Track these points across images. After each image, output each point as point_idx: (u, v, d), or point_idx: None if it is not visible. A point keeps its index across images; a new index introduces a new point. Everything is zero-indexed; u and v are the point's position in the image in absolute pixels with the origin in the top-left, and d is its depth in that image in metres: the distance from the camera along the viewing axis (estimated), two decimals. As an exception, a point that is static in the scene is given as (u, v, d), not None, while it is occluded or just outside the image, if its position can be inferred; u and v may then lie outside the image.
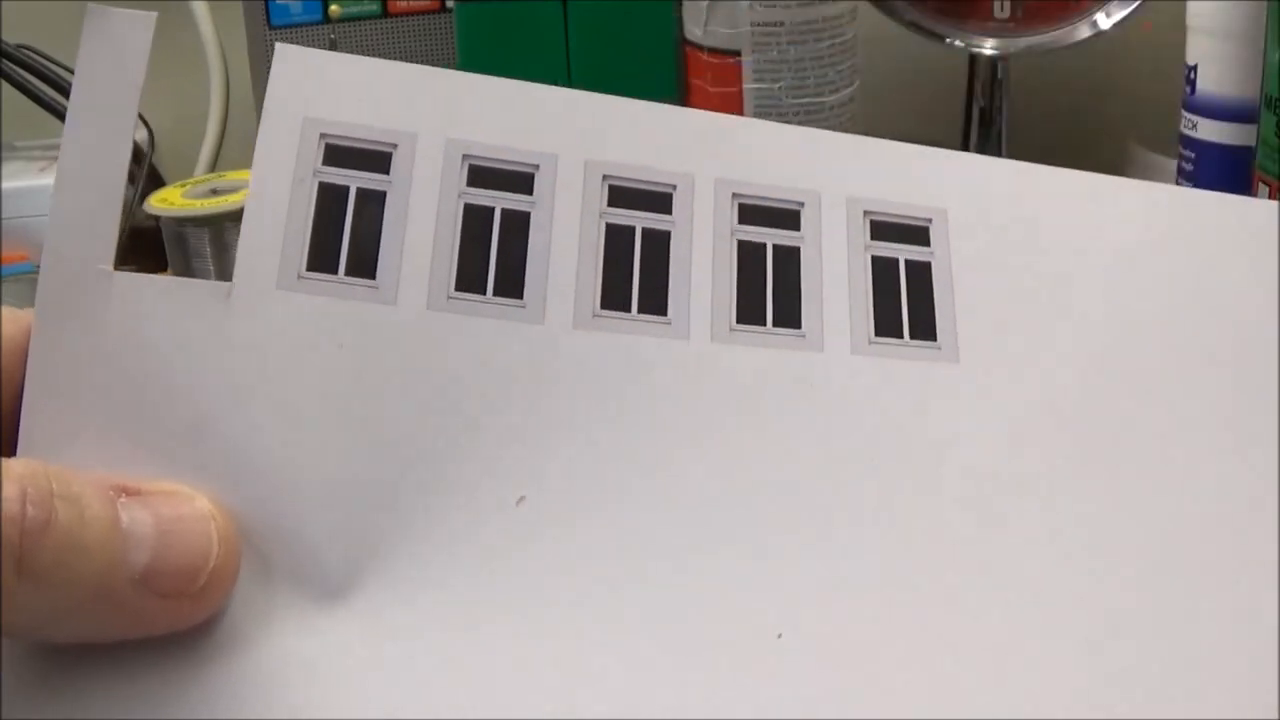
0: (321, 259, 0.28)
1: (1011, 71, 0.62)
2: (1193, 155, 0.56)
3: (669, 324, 0.30)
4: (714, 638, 0.26)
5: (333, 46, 0.62)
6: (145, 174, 0.67)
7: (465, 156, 0.30)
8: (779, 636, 0.26)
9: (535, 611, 0.26)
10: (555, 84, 0.59)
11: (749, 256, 0.31)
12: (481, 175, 0.30)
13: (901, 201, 0.32)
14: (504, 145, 0.31)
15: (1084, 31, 0.59)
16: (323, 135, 0.30)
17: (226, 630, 0.26)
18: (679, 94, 0.58)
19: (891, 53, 0.66)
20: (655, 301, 0.30)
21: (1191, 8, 0.55)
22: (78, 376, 0.26)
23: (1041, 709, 0.26)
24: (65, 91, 0.67)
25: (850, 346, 0.30)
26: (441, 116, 0.31)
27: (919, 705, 0.26)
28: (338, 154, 0.29)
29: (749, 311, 0.30)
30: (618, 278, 0.30)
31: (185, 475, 0.26)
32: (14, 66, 0.67)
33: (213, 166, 0.71)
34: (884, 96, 0.67)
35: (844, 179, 0.32)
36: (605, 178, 0.31)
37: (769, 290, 0.30)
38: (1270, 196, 0.49)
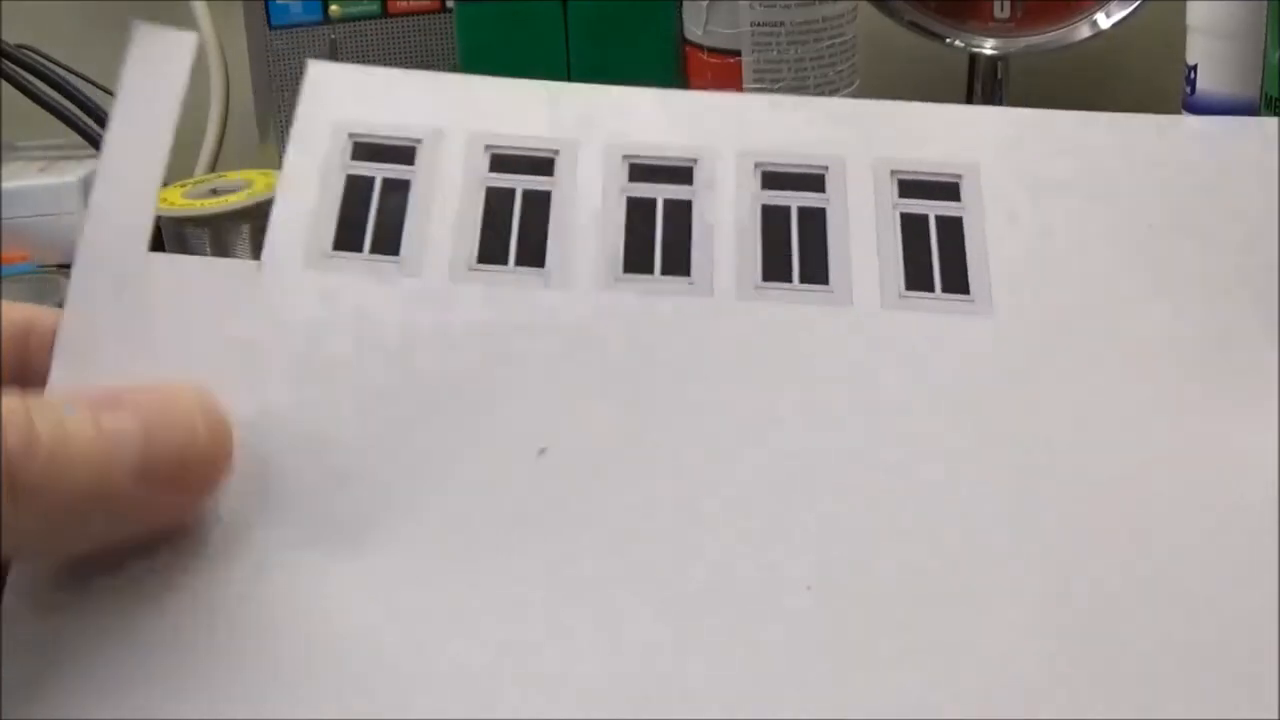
0: (347, 239, 0.30)
1: (1011, 71, 0.62)
2: (1193, 155, 0.56)
3: (692, 284, 0.30)
4: (742, 590, 0.26)
5: (333, 46, 0.62)
6: (145, 174, 0.67)
7: (488, 147, 0.31)
8: (808, 588, 0.26)
9: (558, 562, 0.27)
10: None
11: (773, 219, 0.31)
12: (503, 162, 0.31)
13: (931, 159, 0.32)
14: (525, 135, 0.31)
15: (1084, 31, 0.59)
16: (351, 135, 0.31)
17: (240, 576, 0.26)
18: (679, 94, 0.59)
19: (891, 53, 0.66)
20: (679, 264, 0.30)
21: (1191, 8, 0.55)
22: (114, 351, 0.28)
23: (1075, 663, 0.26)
24: (65, 91, 0.67)
25: (880, 301, 0.30)
26: (464, 114, 0.32)
27: (950, 659, 0.26)
28: (365, 150, 0.31)
29: (775, 270, 0.30)
30: (640, 244, 0.30)
31: None
32: (14, 66, 0.67)
33: (213, 166, 0.71)
34: (884, 96, 0.67)
35: (870, 142, 0.32)
36: (626, 157, 0.31)
37: (794, 249, 0.31)
38: (1270, 196, 0.49)
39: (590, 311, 0.29)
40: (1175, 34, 0.57)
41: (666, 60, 0.58)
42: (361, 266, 0.29)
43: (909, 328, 0.30)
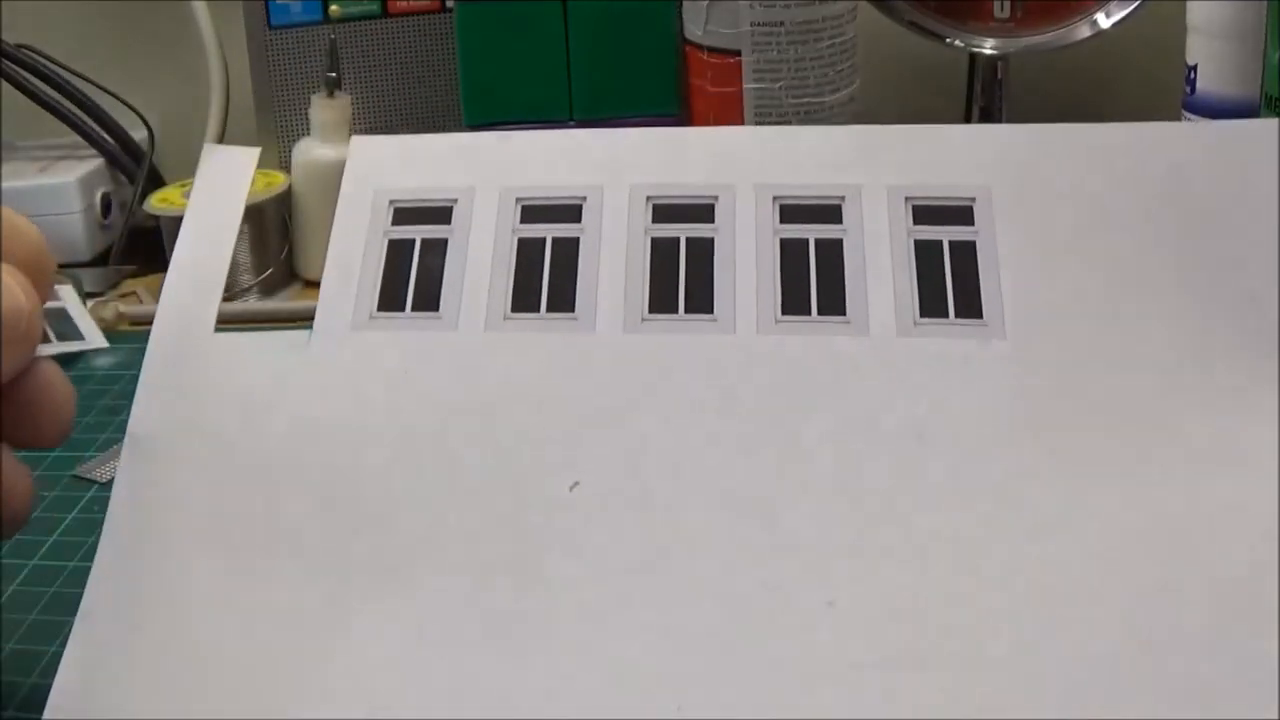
0: (390, 301, 0.32)
1: (1011, 71, 0.62)
2: (1193, 155, 0.56)
3: (715, 320, 0.31)
4: (766, 606, 0.27)
5: (332, 46, 0.62)
6: (145, 174, 0.67)
7: (518, 199, 0.33)
8: (830, 604, 0.27)
9: (586, 586, 0.27)
10: (555, 84, 0.60)
11: (791, 253, 0.32)
12: (533, 212, 0.33)
13: (943, 183, 0.32)
14: (553, 184, 0.33)
15: (1084, 31, 0.59)
16: (392, 201, 0.34)
17: (266, 607, 0.28)
18: (679, 94, 0.58)
19: (891, 53, 0.66)
20: (701, 302, 0.31)
21: (1191, 8, 0.55)
22: (181, 418, 0.30)
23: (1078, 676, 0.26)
24: (65, 91, 0.67)
25: (896, 329, 0.31)
26: (495, 171, 0.34)
27: (964, 670, 0.26)
28: (405, 214, 0.33)
29: (793, 303, 0.31)
30: (665, 284, 0.32)
31: (275, 498, 0.29)
32: (14, 66, 0.66)
33: (213, 166, 0.71)
34: (884, 96, 0.67)
35: (884, 169, 0.33)
36: (649, 199, 0.33)
37: (813, 282, 0.31)
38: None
39: (618, 353, 0.31)
40: (1175, 34, 0.57)
41: (666, 60, 0.58)
42: (404, 324, 0.32)
43: (924, 354, 0.30)
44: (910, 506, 0.28)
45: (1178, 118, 0.56)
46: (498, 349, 0.31)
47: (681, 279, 0.32)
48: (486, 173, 0.34)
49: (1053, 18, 0.60)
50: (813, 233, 0.32)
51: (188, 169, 0.71)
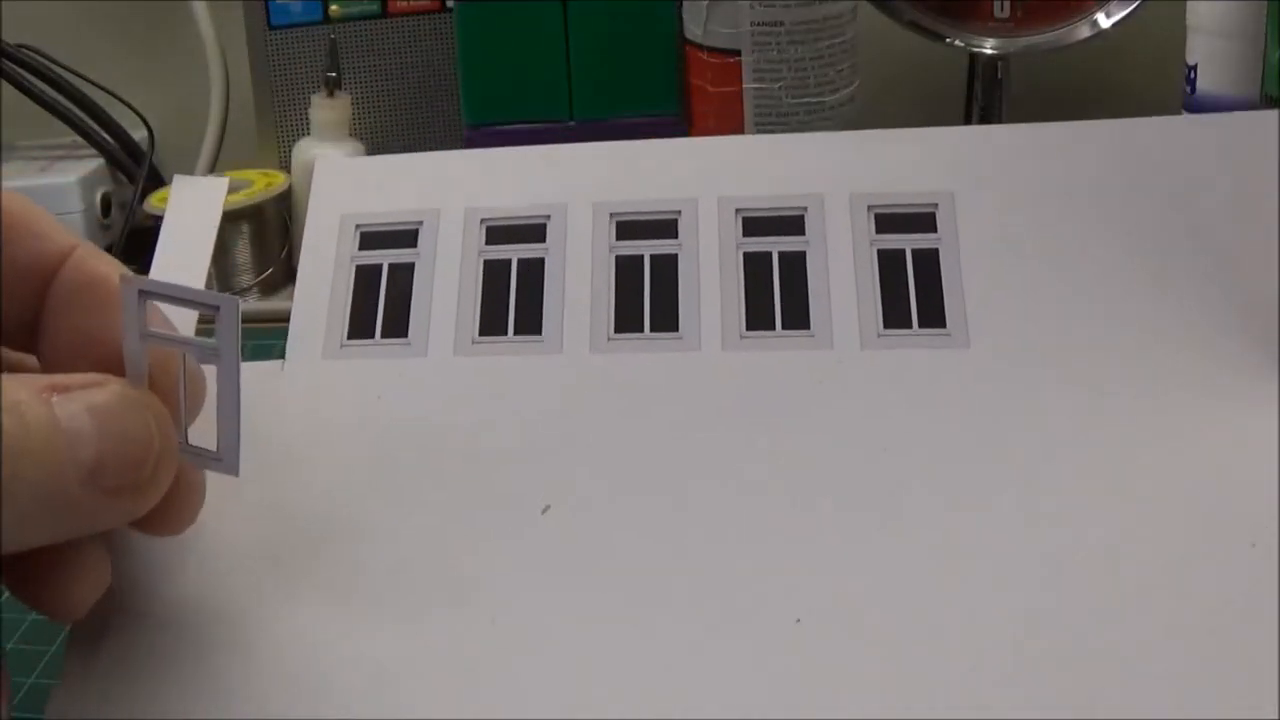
0: (360, 328, 0.32)
1: (1011, 71, 0.62)
2: (1193, 155, 0.56)
3: (680, 338, 0.31)
4: (734, 627, 0.27)
5: (333, 46, 0.62)
6: (145, 174, 0.67)
7: (483, 220, 0.33)
8: (797, 621, 0.26)
9: (561, 607, 0.27)
10: (555, 84, 0.60)
11: (755, 266, 0.32)
12: (498, 233, 0.33)
13: (906, 190, 0.32)
14: (517, 205, 0.33)
15: (1084, 31, 0.59)
16: (358, 226, 0.33)
17: (257, 626, 0.28)
18: (679, 94, 0.58)
19: (891, 53, 0.66)
20: (666, 320, 0.32)
21: (1191, 8, 0.55)
22: None
23: (1047, 688, 0.26)
24: (65, 91, 0.67)
25: (860, 341, 0.31)
26: (459, 192, 0.34)
27: (932, 688, 0.26)
28: (371, 239, 0.33)
29: (758, 319, 0.31)
30: (630, 303, 0.32)
31: (250, 523, 0.29)
32: (14, 66, 0.66)
33: (213, 167, 0.71)
34: (884, 96, 0.67)
35: (847, 176, 0.33)
36: (613, 215, 0.33)
37: (777, 296, 0.32)
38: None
39: (586, 374, 0.31)
40: (1175, 34, 0.57)
41: (666, 60, 0.58)
42: (374, 351, 0.32)
43: (888, 366, 0.30)
44: (878, 519, 0.28)
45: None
46: (467, 373, 0.31)
47: (646, 297, 0.32)
48: (451, 193, 0.34)
49: (1053, 18, 0.60)
50: (776, 245, 0.32)
51: (188, 168, 0.71)
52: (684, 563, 0.28)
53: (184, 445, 0.26)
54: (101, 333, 0.26)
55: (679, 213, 0.33)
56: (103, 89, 0.68)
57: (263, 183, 0.62)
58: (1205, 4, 0.55)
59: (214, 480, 0.27)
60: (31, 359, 0.27)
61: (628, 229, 0.33)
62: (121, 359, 0.25)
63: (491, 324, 0.32)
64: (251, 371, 0.30)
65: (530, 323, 0.32)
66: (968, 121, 0.63)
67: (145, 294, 0.26)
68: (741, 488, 0.29)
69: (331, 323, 0.32)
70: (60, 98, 0.67)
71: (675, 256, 0.32)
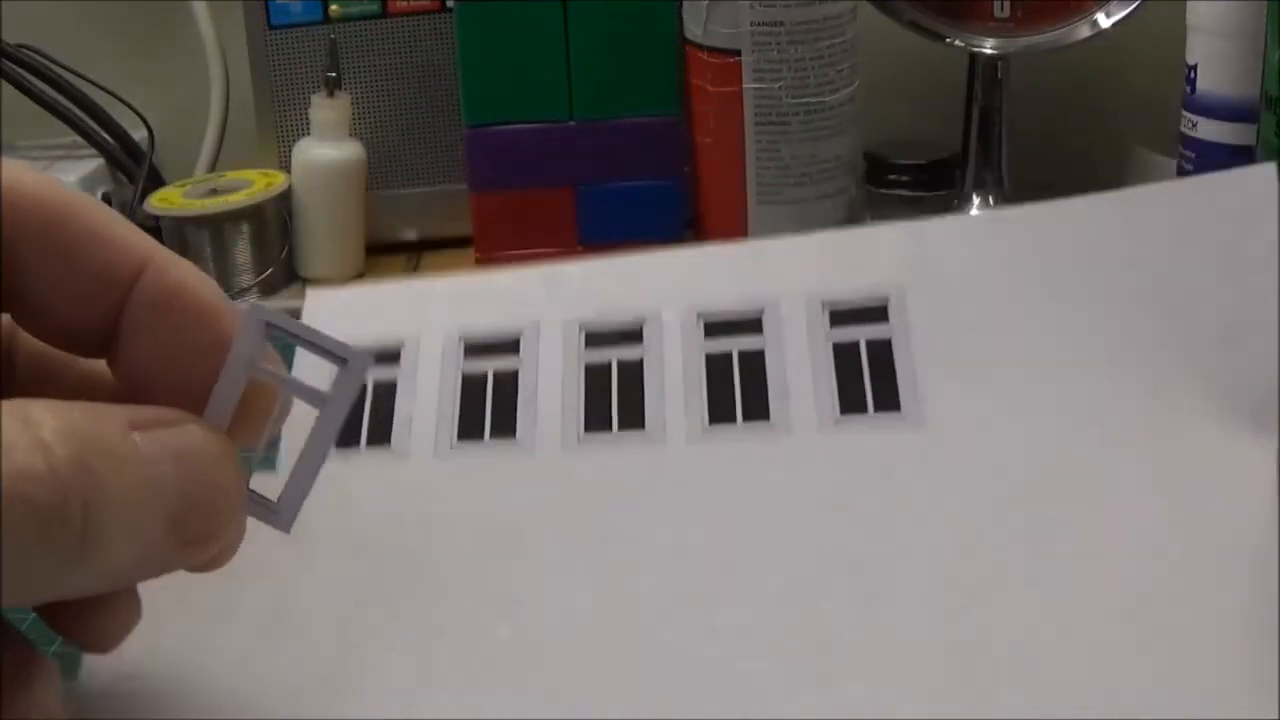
0: (346, 438, 0.34)
1: (1011, 71, 0.62)
2: (1193, 155, 0.56)
3: (646, 435, 0.33)
4: (705, 707, 0.27)
5: (332, 46, 0.62)
6: (145, 174, 0.67)
7: (461, 338, 0.36)
8: (764, 707, 0.27)
9: (533, 697, 0.28)
10: (555, 84, 0.59)
11: (716, 366, 0.34)
12: (475, 348, 0.35)
13: (859, 286, 0.34)
14: (492, 325, 0.36)
15: (1084, 31, 0.59)
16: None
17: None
18: (679, 94, 0.58)
19: (891, 53, 0.66)
20: (634, 419, 0.33)
21: (1191, 8, 0.55)
22: None
23: None
24: (65, 91, 0.67)
25: (817, 427, 0.32)
26: (440, 314, 0.36)
27: None
28: None
29: (720, 413, 0.33)
30: (599, 406, 0.34)
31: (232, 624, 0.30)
32: (14, 66, 0.66)
33: (213, 166, 0.71)
34: (884, 96, 0.67)
35: (802, 279, 0.35)
36: (581, 327, 0.35)
37: (737, 392, 0.33)
38: (1270, 196, 0.49)
39: (557, 471, 0.32)
40: (1175, 34, 0.57)
41: (666, 60, 0.58)
42: (358, 459, 0.33)
43: (845, 448, 0.32)
44: (836, 602, 0.29)
45: (1178, 118, 0.56)
46: (444, 476, 0.33)
47: (614, 399, 0.34)
48: (432, 316, 0.36)
49: (1053, 18, 0.60)
50: (736, 345, 0.34)
51: (188, 169, 0.71)
52: (655, 650, 0.28)
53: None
54: (185, 349, 0.25)
55: (644, 321, 0.35)
56: (103, 89, 0.68)
57: (263, 183, 0.62)
58: (1205, 4, 0.55)
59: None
60: (102, 364, 0.26)
61: (595, 339, 0.35)
62: (200, 379, 0.24)
63: (469, 430, 0.34)
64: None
65: (505, 427, 0.34)
66: (968, 121, 0.63)
67: (270, 327, 0.24)
68: (709, 571, 0.29)
69: None
70: (60, 98, 0.67)
71: (640, 362, 0.34)
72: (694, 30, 0.57)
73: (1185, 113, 0.56)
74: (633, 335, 0.35)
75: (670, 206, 0.59)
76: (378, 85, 0.65)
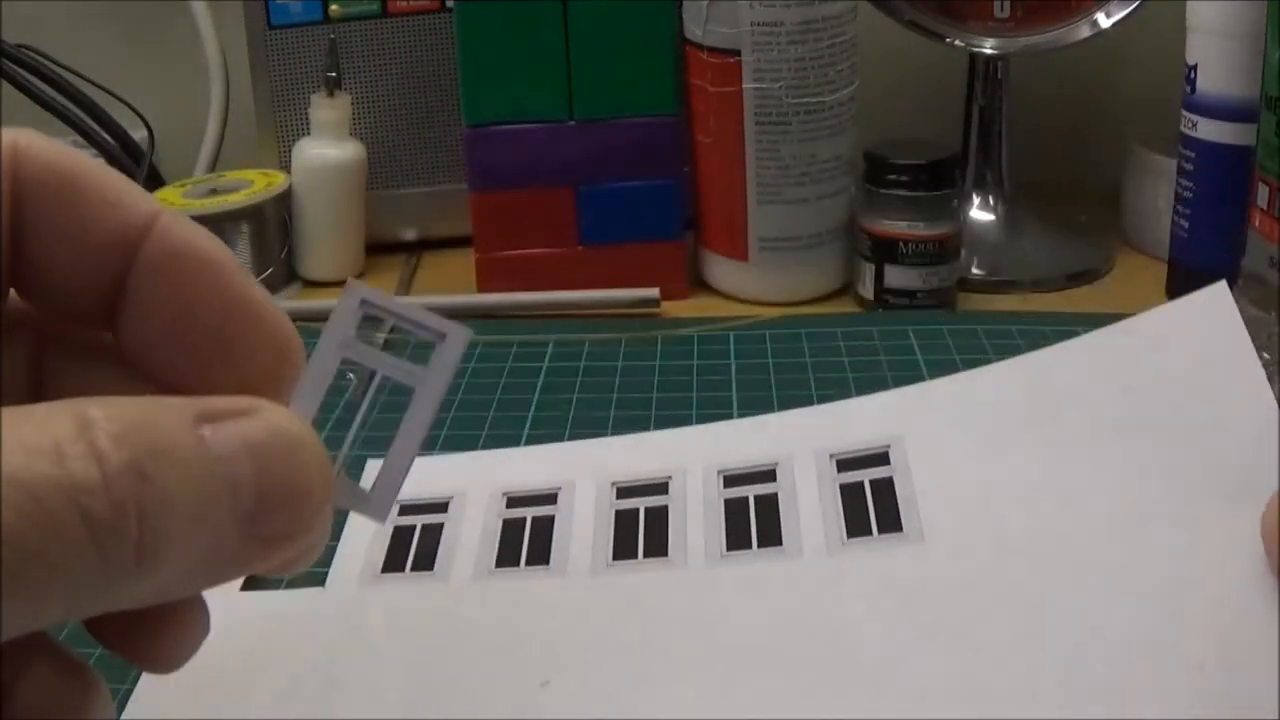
0: (392, 563, 0.37)
1: (1011, 71, 0.62)
2: (1193, 155, 0.56)
3: (669, 560, 0.36)
4: None
5: (332, 46, 0.62)
6: (145, 174, 0.67)
7: (505, 493, 0.39)
8: None
9: None
10: (555, 84, 0.59)
11: (734, 508, 0.37)
12: (516, 500, 0.39)
13: (863, 438, 0.38)
14: (532, 482, 0.39)
15: (1084, 31, 0.59)
16: (399, 501, 0.36)
17: None
18: (679, 94, 0.58)
19: (891, 53, 0.66)
20: (658, 548, 0.36)
21: (1191, 8, 0.55)
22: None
23: None
24: (65, 91, 0.67)
25: (826, 549, 0.35)
26: (486, 475, 0.40)
27: None
28: (407, 509, 0.39)
29: (736, 541, 0.36)
30: (626, 539, 0.37)
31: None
32: (14, 66, 0.67)
33: (213, 166, 0.72)
34: (884, 96, 0.67)
35: (812, 440, 0.39)
36: (614, 484, 0.39)
37: (753, 525, 0.36)
38: (1270, 196, 0.49)
39: (585, 590, 0.35)
40: (1175, 34, 0.57)
41: (666, 60, 0.58)
42: (404, 579, 0.36)
43: (851, 564, 0.34)
44: (847, 700, 0.30)
45: (1178, 118, 0.56)
46: (481, 594, 0.35)
47: (640, 535, 0.37)
48: (481, 479, 0.40)
49: (1053, 18, 0.60)
50: (752, 491, 0.38)
51: (188, 169, 0.71)
52: None
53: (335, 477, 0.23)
54: (194, 309, 0.23)
55: (670, 477, 0.39)
56: (103, 89, 0.68)
57: (263, 183, 0.62)
58: (1205, 4, 0.55)
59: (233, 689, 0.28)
60: (107, 337, 0.24)
61: (626, 491, 0.39)
62: (210, 344, 0.23)
63: (507, 559, 0.37)
64: (290, 598, 0.35)
65: (540, 557, 0.36)
66: (968, 121, 0.63)
67: (367, 305, 0.23)
68: (722, 686, 0.31)
69: (369, 558, 0.37)
70: (60, 98, 0.67)
71: (665, 508, 0.38)
72: (694, 30, 0.57)
73: (1185, 113, 0.56)
74: (658, 488, 0.38)
75: (670, 206, 0.59)
76: (378, 85, 0.65)
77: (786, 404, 0.45)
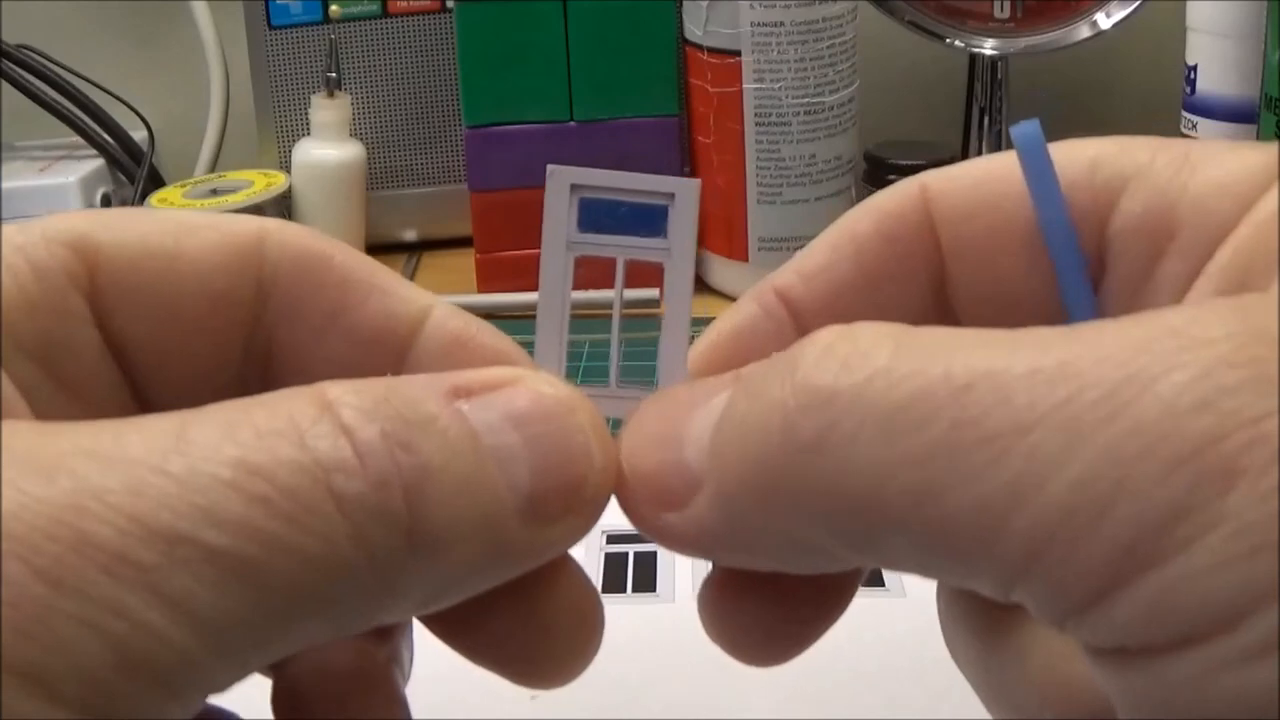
0: None
1: (1011, 71, 0.62)
2: (1193, 155, 0.56)
3: (657, 595, 0.37)
4: None
5: (332, 46, 0.62)
6: (145, 174, 0.67)
7: None
8: None
9: None
10: (555, 84, 0.59)
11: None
12: None
13: None
14: None
15: (1084, 31, 0.59)
16: None
17: None
18: (679, 94, 0.58)
19: (891, 53, 0.66)
20: (647, 584, 0.38)
21: (1191, 8, 0.55)
22: None
23: None
24: (65, 91, 0.67)
25: None
26: None
27: None
28: None
29: None
30: (615, 576, 0.38)
31: None
32: (14, 66, 0.67)
33: (213, 166, 0.72)
34: (884, 96, 0.67)
35: None
36: (603, 532, 0.40)
37: None
38: (1270, 196, 0.49)
39: None
40: (1175, 34, 0.57)
41: (666, 60, 0.58)
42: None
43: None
44: None
45: (1178, 118, 0.56)
46: None
47: (629, 574, 0.38)
48: None
49: (1053, 18, 0.60)
50: None
51: (188, 169, 0.71)
52: None
53: (610, 392, 0.20)
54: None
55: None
56: (103, 89, 0.68)
57: (263, 183, 0.62)
58: (1205, 4, 0.55)
59: None
60: None
61: (615, 539, 0.40)
62: None
63: None
64: None
65: None
66: (968, 121, 0.63)
67: (577, 189, 0.21)
68: (712, 704, 0.32)
69: None
70: (60, 98, 0.67)
71: (654, 553, 0.39)
72: (694, 30, 0.57)
73: (1185, 113, 0.56)
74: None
75: (670, 206, 0.59)
76: (378, 85, 0.65)
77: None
